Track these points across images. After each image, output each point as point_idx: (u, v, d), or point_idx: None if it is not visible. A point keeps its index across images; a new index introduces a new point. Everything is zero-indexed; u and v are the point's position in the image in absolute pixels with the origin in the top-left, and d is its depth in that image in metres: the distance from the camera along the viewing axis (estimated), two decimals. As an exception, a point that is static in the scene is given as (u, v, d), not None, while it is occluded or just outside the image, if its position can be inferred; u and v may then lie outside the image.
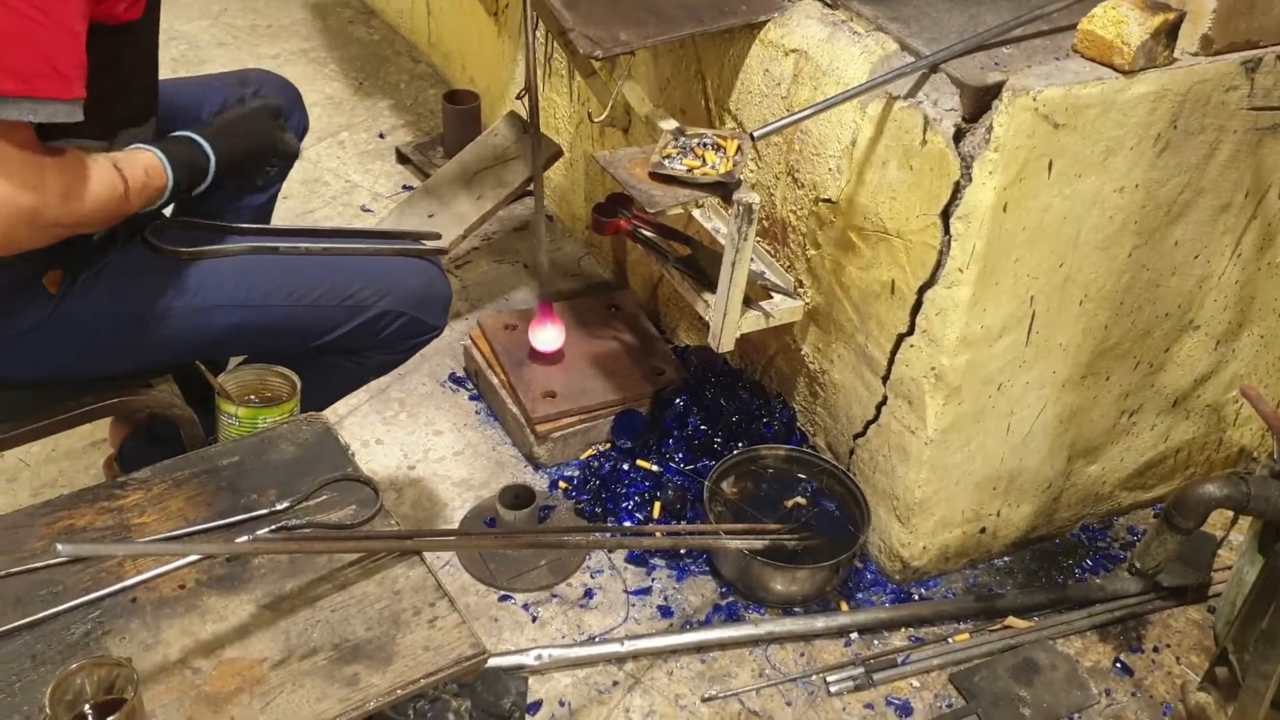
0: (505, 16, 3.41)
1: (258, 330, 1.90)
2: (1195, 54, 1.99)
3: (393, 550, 1.59)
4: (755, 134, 1.92)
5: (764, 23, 2.27)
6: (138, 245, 1.76)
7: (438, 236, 2.07)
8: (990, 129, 1.87)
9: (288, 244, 1.87)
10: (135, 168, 1.65)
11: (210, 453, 1.75)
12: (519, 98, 2.79)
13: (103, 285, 1.76)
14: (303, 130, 2.20)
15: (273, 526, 1.62)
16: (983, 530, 2.37)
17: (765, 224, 2.40)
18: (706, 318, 2.24)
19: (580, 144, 3.09)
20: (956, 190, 1.93)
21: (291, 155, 1.92)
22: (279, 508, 1.64)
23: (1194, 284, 2.26)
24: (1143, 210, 2.07)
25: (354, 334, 1.96)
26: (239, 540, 1.59)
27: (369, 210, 3.37)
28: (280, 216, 2.56)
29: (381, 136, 3.72)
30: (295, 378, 1.95)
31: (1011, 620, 2.30)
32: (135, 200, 1.66)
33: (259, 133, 1.86)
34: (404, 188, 3.46)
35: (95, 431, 2.53)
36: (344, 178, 3.52)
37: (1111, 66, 1.92)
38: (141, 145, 1.71)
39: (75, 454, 2.54)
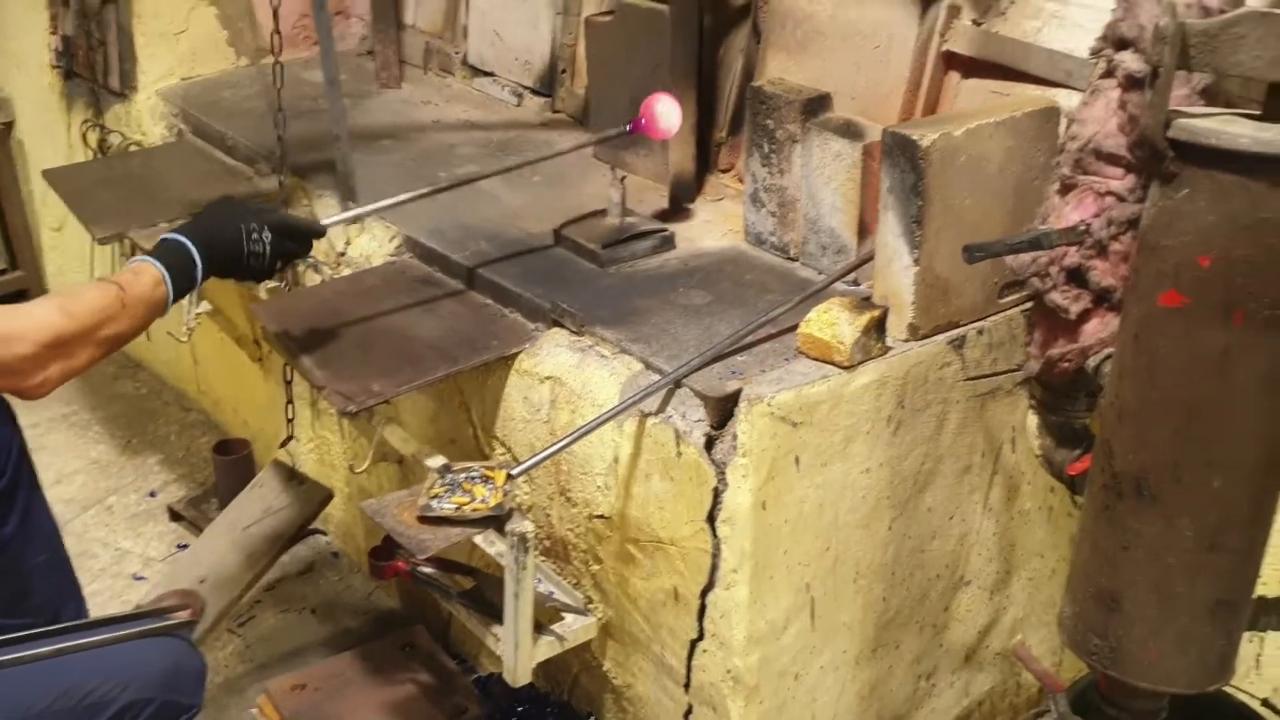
0: (270, 361, 3.43)
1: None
2: (906, 341, 2.17)
3: None
4: (513, 472, 1.96)
5: (517, 353, 2.36)
6: None
7: (184, 608, 1.99)
8: (736, 436, 1.97)
9: (10, 655, 1.76)
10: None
11: None
12: (283, 445, 2.78)
13: None
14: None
15: None
16: (809, 822, 2.33)
17: (547, 543, 2.42)
18: (498, 652, 2.20)
19: (357, 479, 3.07)
20: (716, 495, 2.00)
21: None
22: None
23: (955, 543, 2.38)
24: (891, 485, 2.19)
25: (102, 733, 1.83)
26: None
27: (142, 578, 3.22)
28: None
29: (153, 495, 3.61)
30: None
31: None
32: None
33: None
34: (178, 546, 3.34)
35: None
36: (113, 546, 3.37)
37: (833, 364, 2.07)
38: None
39: None
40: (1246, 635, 1.78)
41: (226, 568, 2.63)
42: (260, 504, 2.81)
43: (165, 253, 2.07)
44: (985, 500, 2.40)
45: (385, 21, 3.70)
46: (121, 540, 3.39)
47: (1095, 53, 2.06)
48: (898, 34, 2.60)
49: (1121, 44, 1.97)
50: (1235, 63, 1.50)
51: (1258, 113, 1.56)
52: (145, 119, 3.72)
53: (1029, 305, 2.26)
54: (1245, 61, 1.49)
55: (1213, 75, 1.80)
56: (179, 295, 2.07)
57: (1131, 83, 1.91)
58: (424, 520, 2.12)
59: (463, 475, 2.21)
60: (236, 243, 2.15)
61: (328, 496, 2.82)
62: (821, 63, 2.74)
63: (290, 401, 2.84)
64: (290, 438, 2.55)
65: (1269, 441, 1.61)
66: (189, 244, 2.09)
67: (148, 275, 2.02)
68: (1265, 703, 2.12)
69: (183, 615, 1.99)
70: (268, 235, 2.18)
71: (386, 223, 2.77)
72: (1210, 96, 1.90)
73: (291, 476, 2.98)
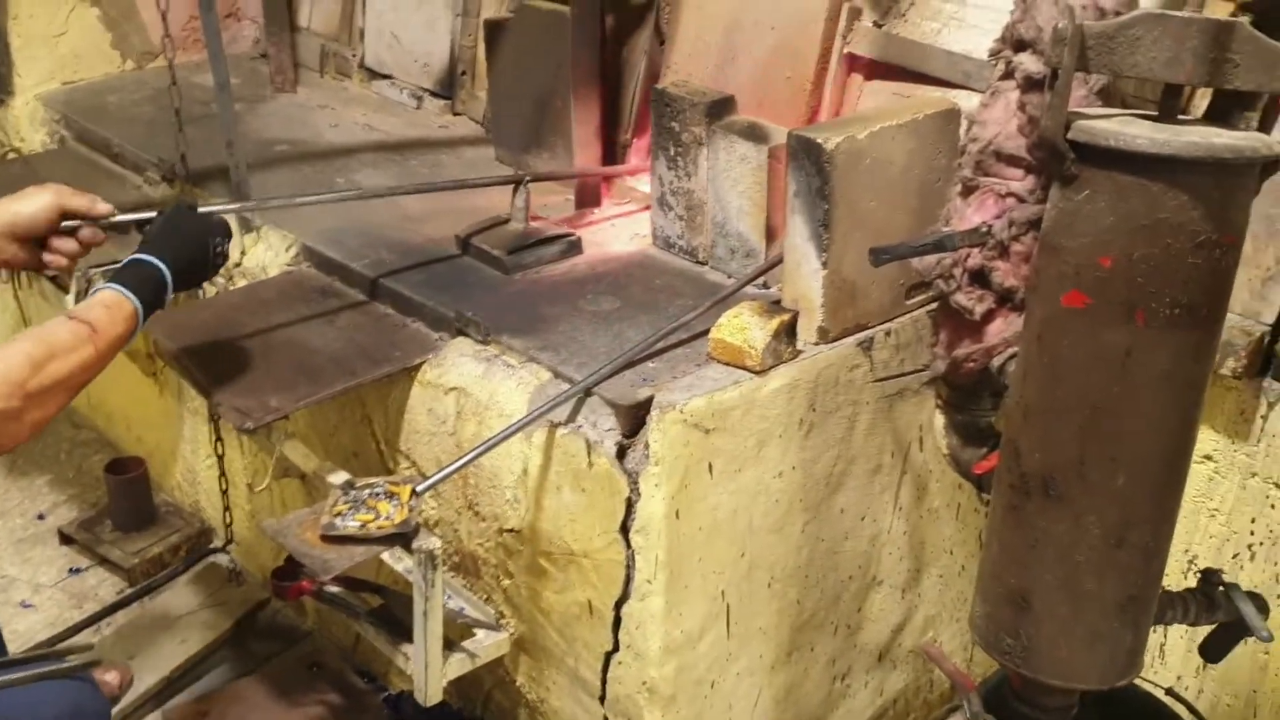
0: (164, 376, 3.31)
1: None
2: (816, 344, 2.17)
3: None
4: (418, 489, 1.91)
5: (420, 364, 2.30)
6: None
7: (89, 647, 1.90)
8: (648, 444, 1.94)
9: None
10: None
11: None
12: (224, 548, 2.72)
13: None
14: None
15: None
16: (728, 830, 2.31)
17: (456, 558, 2.36)
18: (408, 670, 2.14)
19: (259, 497, 2.98)
20: (629, 506, 1.97)
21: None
22: None
23: (867, 543, 2.38)
24: (804, 488, 2.19)
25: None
26: None
27: (30, 605, 3.08)
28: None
29: (41, 518, 3.46)
30: None
31: None
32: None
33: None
34: (70, 571, 3.20)
35: None
36: (-1, 572, 3.22)
37: (745, 368, 2.06)
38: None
39: None
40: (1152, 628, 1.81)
41: (158, 651, 2.59)
42: (197, 598, 2.78)
43: (138, 280, 1.92)
44: (895, 499, 2.41)
45: (278, 24, 3.60)
46: (8, 566, 3.24)
47: (994, 54, 2.07)
48: (802, 36, 2.60)
49: (1020, 45, 1.98)
50: (1132, 64, 1.51)
51: (1155, 113, 1.58)
52: (24, 125, 3.57)
53: (935, 306, 2.28)
54: (1142, 63, 1.51)
55: (1110, 76, 1.82)
56: (145, 322, 1.95)
57: (1030, 84, 1.92)
58: (327, 539, 2.05)
59: (367, 491, 2.14)
60: (204, 260, 2.05)
61: (265, 601, 2.79)
62: (726, 64, 2.73)
63: (225, 491, 2.80)
64: (230, 540, 2.52)
65: (1171, 439, 1.63)
66: (162, 267, 1.96)
67: (121, 312, 1.87)
68: (1169, 692, 2.16)
69: (89, 655, 1.88)
70: (228, 245, 2.11)
71: (283, 231, 2.68)
72: (1107, 97, 1.93)
73: (230, 578, 2.99)
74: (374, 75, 3.61)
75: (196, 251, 2.03)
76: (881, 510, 2.39)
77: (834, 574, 2.33)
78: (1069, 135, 1.53)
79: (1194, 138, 1.47)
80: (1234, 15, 2.19)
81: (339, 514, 2.09)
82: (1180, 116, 1.59)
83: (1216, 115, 1.64)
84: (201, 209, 2.16)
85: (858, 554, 2.37)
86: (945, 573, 2.60)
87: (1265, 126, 1.58)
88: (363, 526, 2.06)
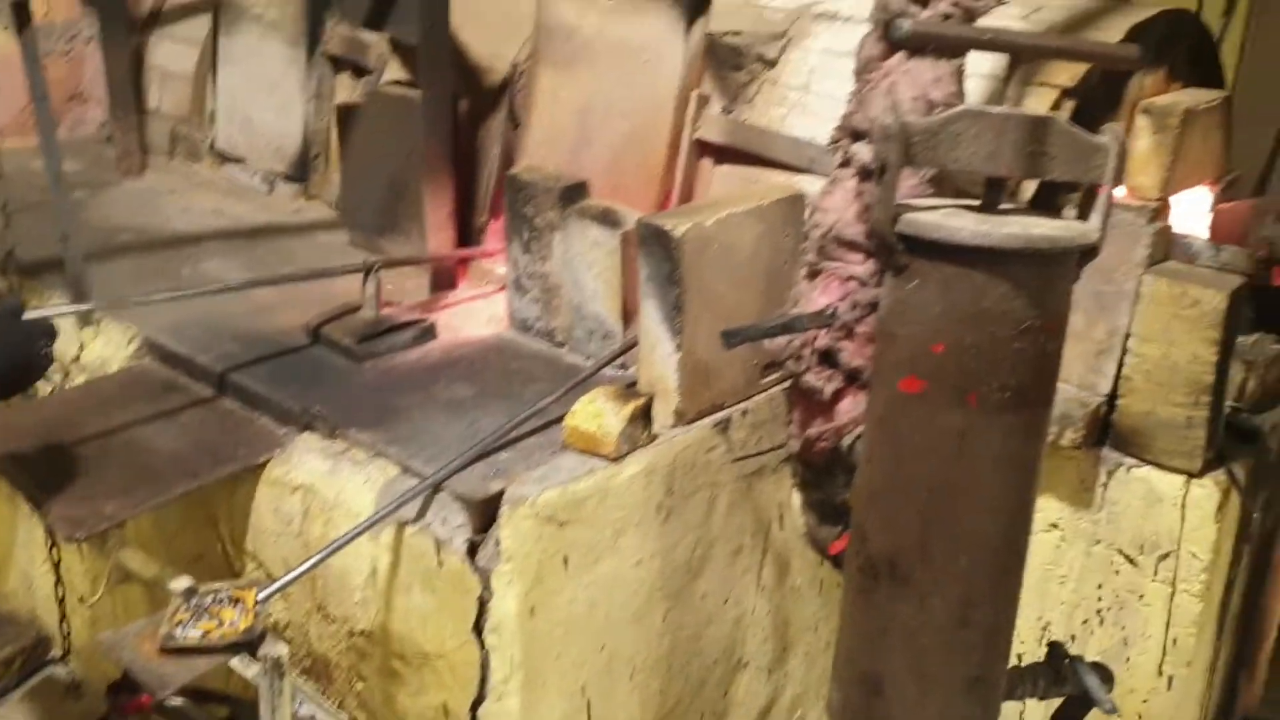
0: None
1: None
2: (673, 426, 2.17)
3: None
4: (260, 596, 1.83)
5: (266, 462, 2.23)
6: None
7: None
8: (499, 541, 1.90)
9: None
10: None
11: None
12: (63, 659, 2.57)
13: None
14: None
15: None
16: None
17: (307, 662, 2.28)
18: (257, 786, 2.04)
19: (100, 604, 2.83)
20: (482, 604, 1.93)
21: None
22: None
23: (731, 626, 2.37)
24: (664, 575, 2.17)
25: None
26: None
27: None
28: None
29: None
30: None
31: None
32: None
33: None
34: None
35: None
36: None
37: (600, 455, 2.04)
38: None
39: None
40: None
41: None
42: (32, 714, 2.62)
43: None
44: (758, 579, 2.41)
45: (125, 107, 3.51)
46: None
47: (834, 143, 2.13)
48: (653, 123, 2.64)
49: (856, 135, 2.05)
50: (954, 158, 1.56)
51: (979, 203, 1.63)
52: None
53: (789, 385, 2.30)
54: (964, 157, 1.56)
55: (936, 170, 1.88)
56: None
57: (867, 173, 1.98)
58: (167, 651, 1.96)
59: (209, 598, 2.05)
60: (30, 367, 1.96)
61: (106, 716, 2.64)
62: (580, 148, 2.74)
63: (62, 600, 2.65)
64: (68, 651, 2.38)
65: (1009, 517, 1.67)
66: None
67: None
68: (1029, 763, 2.19)
69: None
70: (54, 349, 2.01)
71: (125, 324, 2.59)
72: (940, 184, 1.99)
73: (69, 690, 2.85)
74: (226, 159, 3.54)
75: (18, 358, 1.93)
76: (744, 591, 2.38)
77: (698, 660, 2.31)
78: (897, 227, 1.57)
79: (1014, 229, 1.52)
80: (1058, 100, 2.30)
81: (179, 623, 1.99)
82: (1006, 206, 1.65)
83: (1040, 203, 1.71)
84: (27, 315, 2.06)
85: (722, 638, 2.35)
86: (811, 650, 2.61)
87: (1084, 214, 1.64)
88: (205, 636, 1.97)
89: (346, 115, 3.02)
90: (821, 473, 2.31)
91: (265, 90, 3.39)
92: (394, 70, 3.08)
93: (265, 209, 3.29)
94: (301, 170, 3.34)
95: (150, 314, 2.59)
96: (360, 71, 3.23)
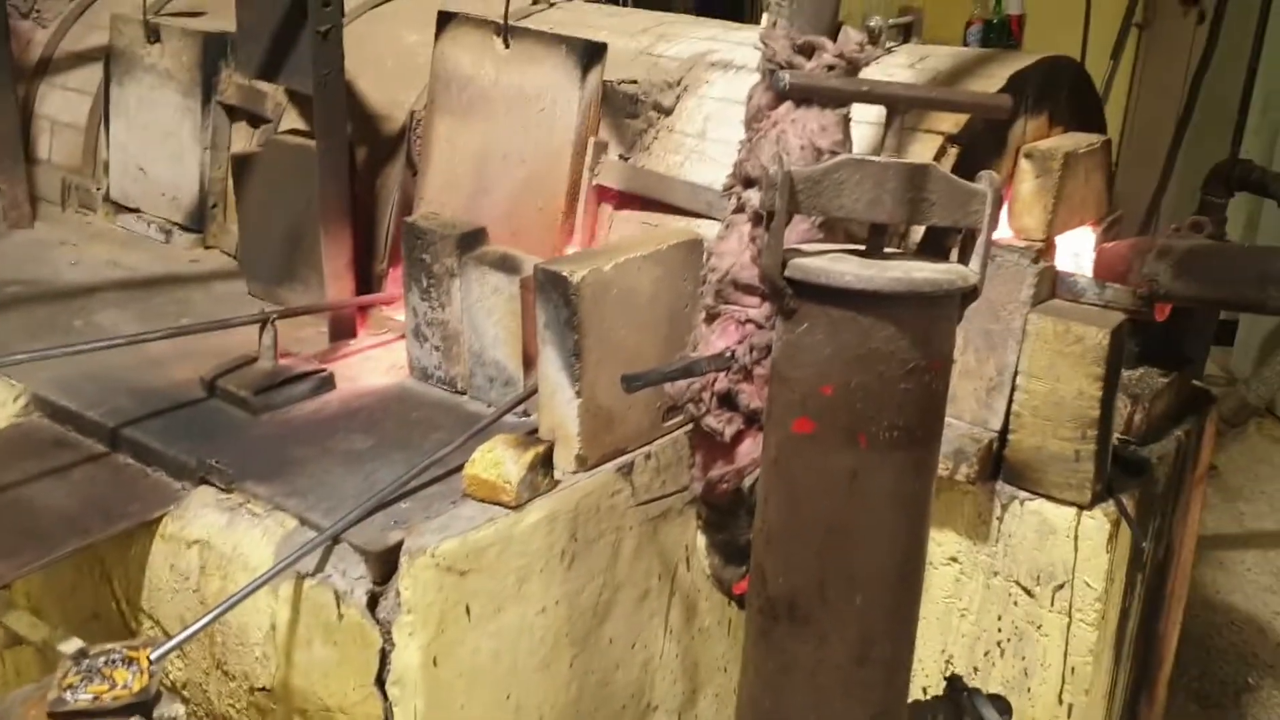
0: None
1: None
2: (575, 472, 2.17)
3: None
4: (152, 656, 1.79)
5: (161, 517, 2.18)
6: None
7: None
8: (399, 592, 1.88)
9: None
10: None
11: None
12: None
13: None
14: None
15: None
16: None
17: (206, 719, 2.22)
18: None
19: (-11, 668, 2.73)
20: (384, 656, 1.91)
21: None
22: None
23: (639, 670, 2.37)
24: (570, 621, 2.16)
25: None
26: None
27: None
28: None
29: None
30: None
31: None
32: None
33: None
34: None
35: None
36: None
37: (501, 504, 2.04)
38: None
39: None
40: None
41: None
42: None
43: None
44: (666, 622, 2.42)
45: (13, 158, 3.43)
46: None
47: (727, 189, 2.17)
48: (552, 169, 2.66)
49: (748, 182, 2.09)
50: (839, 205, 1.60)
51: (864, 249, 1.67)
52: None
53: (691, 428, 2.32)
54: (847, 204, 1.60)
55: (821, 216, 1.93)
56: None
57: (759, 219, 2.02)
58: (56, 716, 1.89)
59: (101, 659, 1.99)
60: None
61: None
62: (479, 195, 2.75)
63: None
64: None
65: (903, 554, 1.70)
66: None
67: None
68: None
69: None
70: None
71: (10, 380, 2.52)
72: (830, 229, 2.04)
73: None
74: (120, 209, 3.48)
75: None
76: (652, 635, 2.39)
77: (607, 706, 2.30)
78: (786, 273, 1.60)
79: (897, 273, 1.57)
80: (943, 146, 2.37)
81: (70, 687, 1.93)
82: (892, 250, 1.70)
83: (927, 248, 1.76)
84: None
85: (630, 682, 2.35)
86: (721, 692, 2.62)
87: (965, 258, 1.69)
88: (96, 699, 1.91)
89: (243, 164, 2.99)
90: (725, 514, 2.34)
91: (159, 140, 3.34)
92: (291, 119, 3.06)
93: (162, 259, 3.23)
94: (199, 220, 3.29)
95: (39, 369, 2.52)
96: (257, 121, 3.20)
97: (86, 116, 3.55)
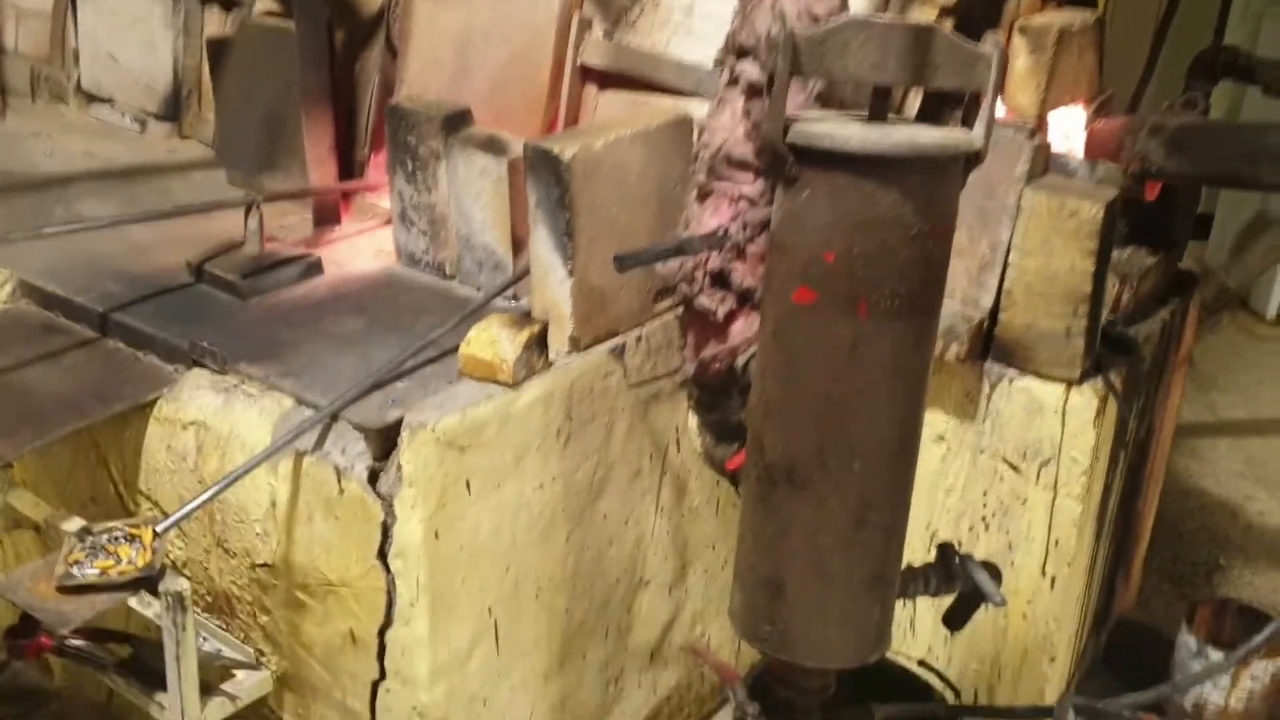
0: None
1: None
2: (569, 353, 2.17)
3: None
4: (158, 528, 1.80)
5: (155, 400, 2.18)
6: None
7: None
8: (400, 467, 1.90)
9: None
10: None
11: None
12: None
13: None
14: None
15: None
16: None
17: (209, 598, 2.25)
18: (162, 723, 2.02)
19: (-16, 557, 2.74)
20: (386, 530, 1.93)
21: None
22: None
23: (632, 546, 2.41)
24: (566, 497, 2.19)
25: None
26: None
27: None
28: None
29: None
30: None
31: None
32: None
33: None
34: None
35: None
36: None
37: (498, 383, 2.04)
38: None
39: None
40: (899, 603, 1.90)
41: None
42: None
43: None
44: (657, 501, 2.45)
45: (-22, 47, 3.35)
46: None
47: (719, 62, 2.14)
48: (535, 48, 2.62)
49: (741, 53, 2.06)
50: (842, 67, 1.58)
51: (866, 114, 1.66)
52: None
53: (682, 310, 2.33)
54: (851, 66, 1.58)
55: (824, 80, 1.91)
56: None
57: (753, 91, 2.00)
58: (64, 590, 1.91)
59: (105, 537, 2.01)
60: None
61: (3, 663, 2.54)
62: (460, 76, 2.71)
63: None
64: None
65: (901, 424, 1.72)
66: None
67: None
68: (921, 663, 2.28)
69: None
70: None
71: (-4, 266, 2.49)
72: (825, 100, 2.02)
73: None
74: (93, 99, 3.40)
75: None
76: (644, 513, 2.42)
77: (601, 579, 2.34)
78: (788, 139, 1.59)
79: (901, 137, 1.56)
80: (938, 18, 2.35)
81: (76, 563, 1.95)
82: (894, 116, 1.69)
83: (926, 115, 1.75)
84: None
85: (623, 557, 2.39)
86: (709, 568, 2.66)
87: (968, 122, 1.68)
88: (103, 574, 1.93)
89: (217, 50, 2.92)
90: (717, 393, 2.35)
91: (129, 26, 3.26)
92: (265, 1, 2.99)
93: (138, 149, 3.17)
94: (174, 109, 3.22)
95: (24, 256, 2.49)
96: (229, 4, 3.12)
97: (52, 4, 3.45)
